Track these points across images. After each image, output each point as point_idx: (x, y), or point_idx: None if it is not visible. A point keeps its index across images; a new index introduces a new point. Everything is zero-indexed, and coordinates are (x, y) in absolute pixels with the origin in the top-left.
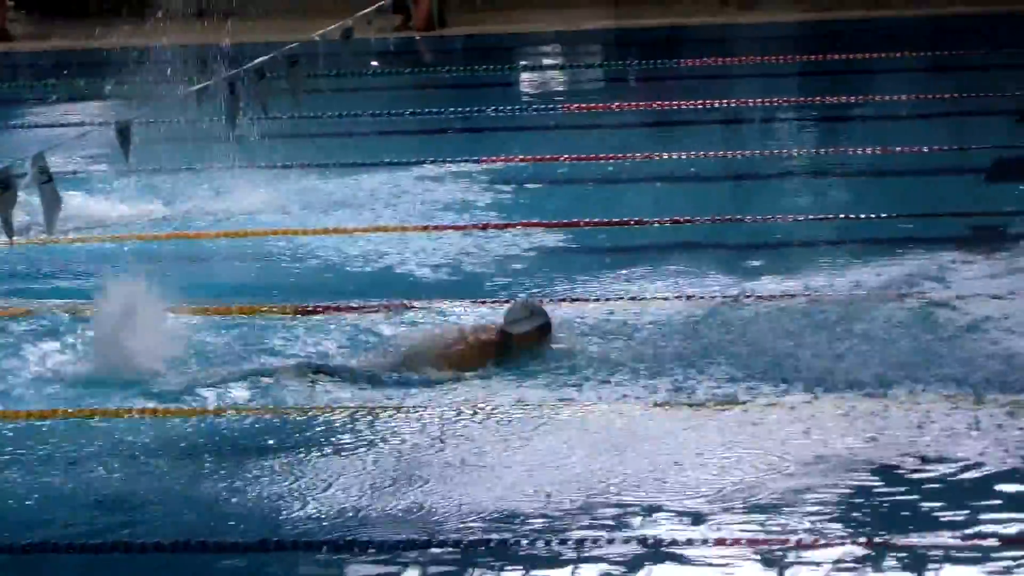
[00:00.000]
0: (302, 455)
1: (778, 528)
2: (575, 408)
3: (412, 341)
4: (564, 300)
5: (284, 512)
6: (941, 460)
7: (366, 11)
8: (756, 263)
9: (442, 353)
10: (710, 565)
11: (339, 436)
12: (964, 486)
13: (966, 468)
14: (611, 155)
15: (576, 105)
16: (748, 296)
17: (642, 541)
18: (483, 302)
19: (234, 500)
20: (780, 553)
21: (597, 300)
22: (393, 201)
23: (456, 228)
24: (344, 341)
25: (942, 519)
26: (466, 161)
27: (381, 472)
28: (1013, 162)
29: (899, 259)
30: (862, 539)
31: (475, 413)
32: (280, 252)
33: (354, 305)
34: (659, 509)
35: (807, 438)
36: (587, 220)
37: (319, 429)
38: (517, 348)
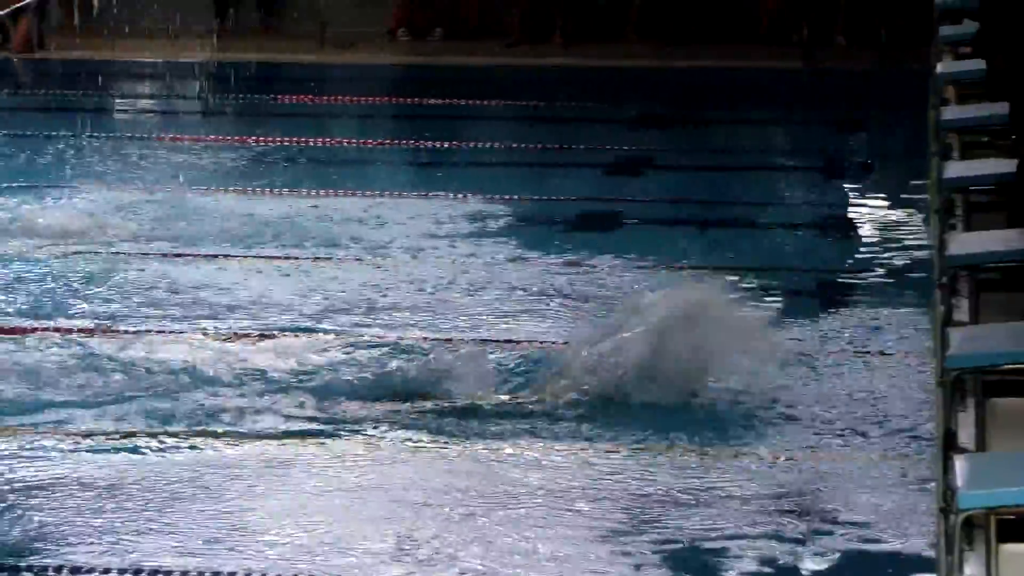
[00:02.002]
0: None
1: None
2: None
3: None
4: (105, 330)
5: None
6: None
7: None
8: (325, 304)
9: None
10: None
11: None
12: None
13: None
14: (200, 187)
15: (170, 136)
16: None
17: None
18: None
19: None
20: None
21: (161, 332)
22: None
23: (45, 248)
24: None
25: None
26: (56, 186)
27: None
28: (599, 214)
29: (477, 306)
30: None
31: None
32: None
33: None
34: None
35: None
36: (166, 251)
37: None
38: None
